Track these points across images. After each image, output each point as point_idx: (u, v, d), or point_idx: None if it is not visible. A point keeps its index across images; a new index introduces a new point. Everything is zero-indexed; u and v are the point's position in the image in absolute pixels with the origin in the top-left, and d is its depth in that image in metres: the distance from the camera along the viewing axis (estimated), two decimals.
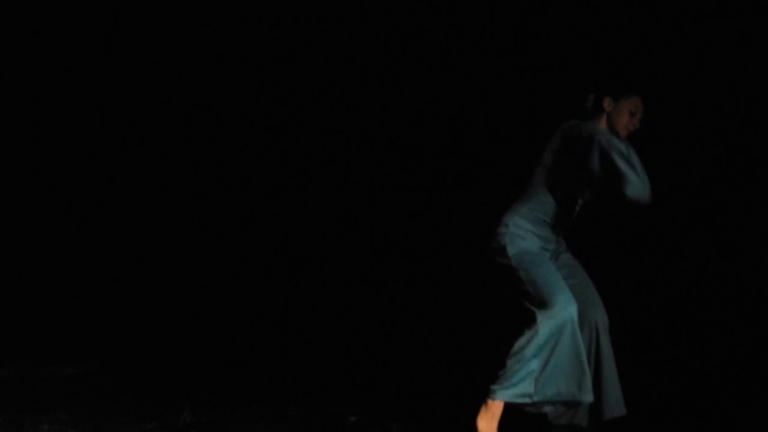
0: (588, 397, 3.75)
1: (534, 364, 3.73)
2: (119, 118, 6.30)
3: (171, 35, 6.12)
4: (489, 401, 3.73)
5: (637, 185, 3.61)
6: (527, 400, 3.74)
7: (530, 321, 3.74)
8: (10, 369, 5.23)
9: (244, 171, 6.17)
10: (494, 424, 3.73)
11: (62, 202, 6.36)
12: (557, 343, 3.72)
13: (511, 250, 3.84)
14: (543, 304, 3.72)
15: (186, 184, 6.24)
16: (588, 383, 3.75)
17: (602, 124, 3.94)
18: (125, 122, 6.29)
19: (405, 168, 5.67)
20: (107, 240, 6.35)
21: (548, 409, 3.80)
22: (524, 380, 3.73)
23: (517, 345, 3.74)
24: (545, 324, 3.71)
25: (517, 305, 3.82)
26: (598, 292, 3.95)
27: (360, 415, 4.34)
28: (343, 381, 4.99)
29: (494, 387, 3.73)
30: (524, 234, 3.88)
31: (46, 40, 6.24)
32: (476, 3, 5.20)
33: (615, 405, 3.85)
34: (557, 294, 3.73)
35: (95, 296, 6.21)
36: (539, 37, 4.84)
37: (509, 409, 3.90)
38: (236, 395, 4.70)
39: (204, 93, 6.15)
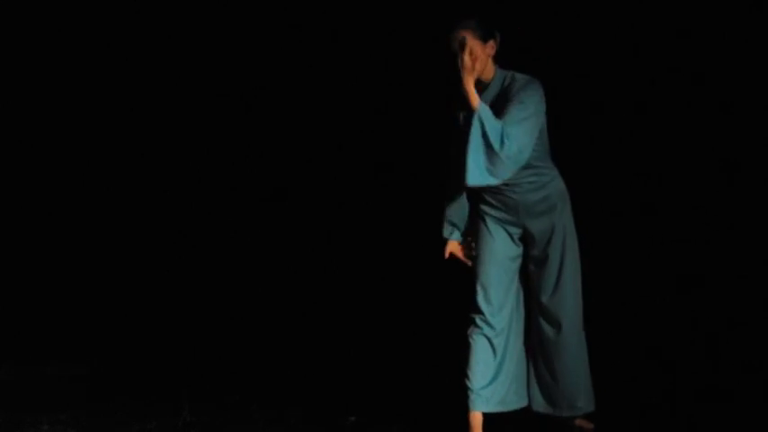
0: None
1: None
2: (117, 116, 6.28)
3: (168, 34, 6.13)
4: None
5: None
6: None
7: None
8: (10, 369, 5.23)
9: (242, 169, 6.16)
10: None
11: (60, 202, 6.35)
12: None
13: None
14: None
15: (185, 183, 6.24)
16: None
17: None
18: (123, 120, 6.27)
19: (404, 165, 5.66)
20: (107, 240, 6.34)
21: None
22: None
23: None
24: None
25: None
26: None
27: (359, 415, 4.34)
28: (343, 381, 4.99)
29: None
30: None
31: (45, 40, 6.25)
32: None
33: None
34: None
35: (95, 296, 6.20)
36: None
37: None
38: (236, 395, 4.70)
39: (202, 92, 6.14)
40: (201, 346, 5.66)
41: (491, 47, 3.77)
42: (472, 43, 3.68)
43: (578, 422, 4.05)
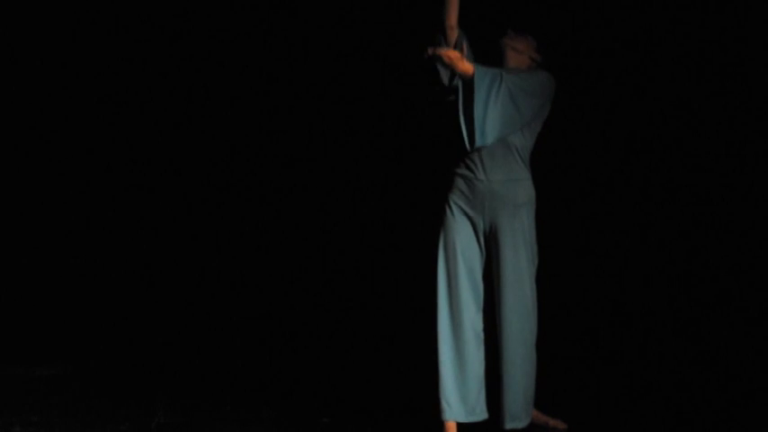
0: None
1: None
2: (116, 116, 6.26)
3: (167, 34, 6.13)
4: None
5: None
6: None
7: None
8: None
9: (222, 171, 6.16)
10: None
11: (35, 203, 6.33)
12: None
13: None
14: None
15: (165, 185, 6.23)
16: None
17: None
18: (121, 121, 6.26)
19: (393, 169, 5.67)
20: (81, 241, 6.31)
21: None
22: None
23: None
24: None
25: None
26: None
27: (333, 417, 4.34)
28: (317, 382, 5.00)
29: None
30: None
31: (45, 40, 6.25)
32: None
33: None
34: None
35: (68, 297, 6.17)
36: None
37: None
38: (209, 397, 4.69)
39: (201, 92, 6.13)
40: (176, 347, 5.64)
41: (533, 49, 4.06)
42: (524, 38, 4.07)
43: (552, 422, 4.06)
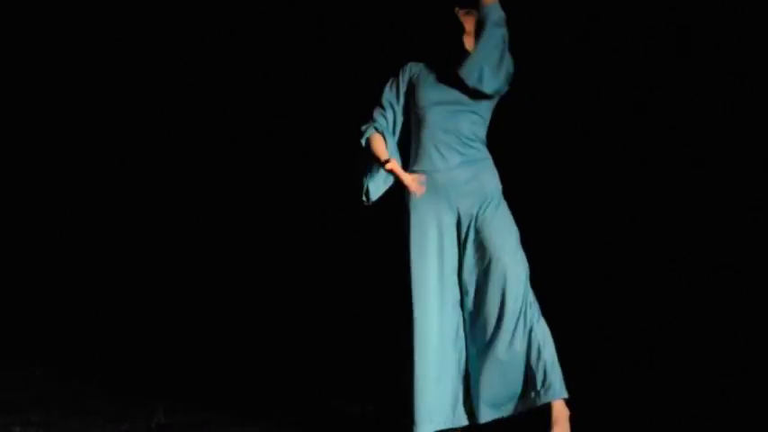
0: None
1: None
2: (115, 117, 6.27)
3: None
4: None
5: None
6: None
7: None
8: None
9: (221, 170, 6.16)
10: None
11: (35, 203, 6.33)
12: None
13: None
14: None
15: (164, 186, 6.23)
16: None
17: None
18: (119, 121, 6.26)
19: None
20: (80, 241, 6.32)
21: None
22: None
23: None
24: None
25: None
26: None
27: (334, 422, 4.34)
28: (317, 383, 5.00)
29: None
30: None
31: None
32: None
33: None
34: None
35: (69, 297, 6.18)
36: None
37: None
38: (209, 397, 4.70)
39: (199, 93, 6.14)
40: (176, 347, 5.65)
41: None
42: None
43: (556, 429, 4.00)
